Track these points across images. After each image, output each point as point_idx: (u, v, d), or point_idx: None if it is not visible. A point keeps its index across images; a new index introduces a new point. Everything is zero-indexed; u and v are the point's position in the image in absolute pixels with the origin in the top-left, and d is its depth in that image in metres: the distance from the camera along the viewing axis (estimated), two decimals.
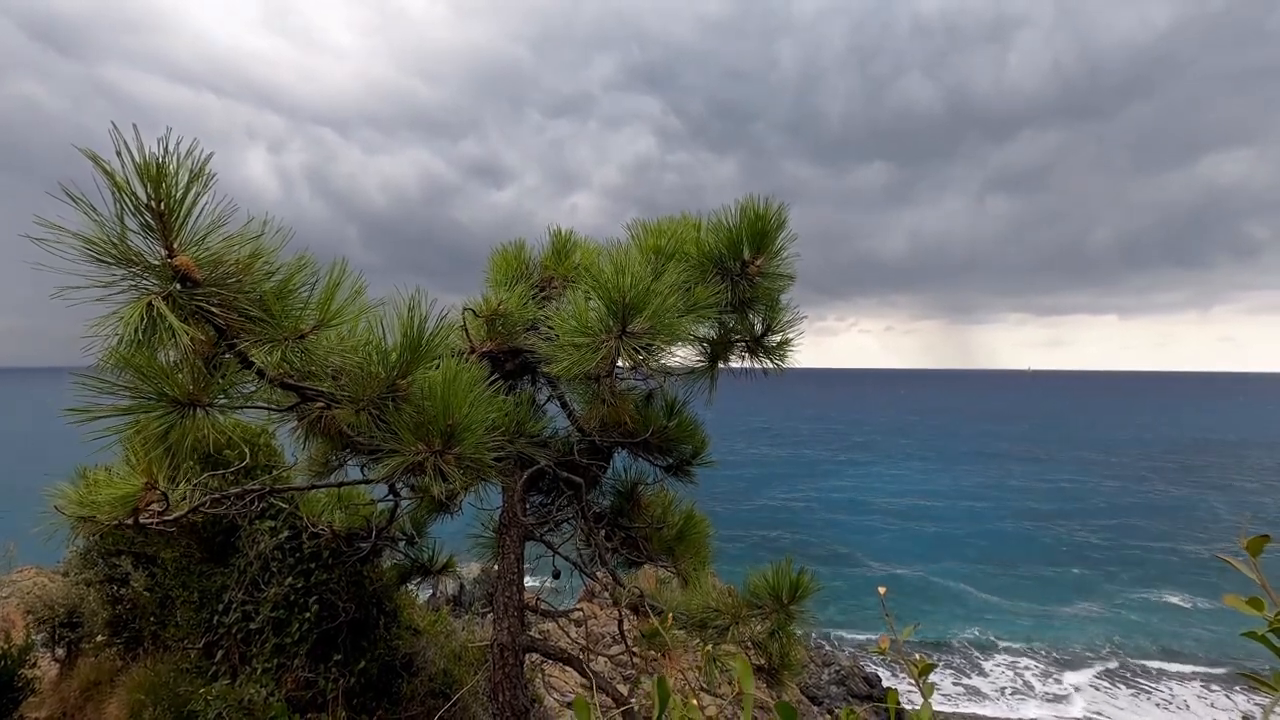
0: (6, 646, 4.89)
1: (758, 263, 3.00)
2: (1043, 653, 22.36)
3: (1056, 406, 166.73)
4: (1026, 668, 21.20)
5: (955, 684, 20.01)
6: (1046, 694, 19.46)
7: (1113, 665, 21.28)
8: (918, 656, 1.25)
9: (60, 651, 6.02)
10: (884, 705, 1.49)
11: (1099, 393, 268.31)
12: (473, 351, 2.99)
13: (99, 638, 5.76)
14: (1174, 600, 26.97)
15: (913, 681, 1.28)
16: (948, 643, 23.22)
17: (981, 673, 20.91)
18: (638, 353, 2.33)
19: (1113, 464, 63.54)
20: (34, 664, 5.20)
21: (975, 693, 19.47)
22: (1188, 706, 18.34)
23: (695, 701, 1.19)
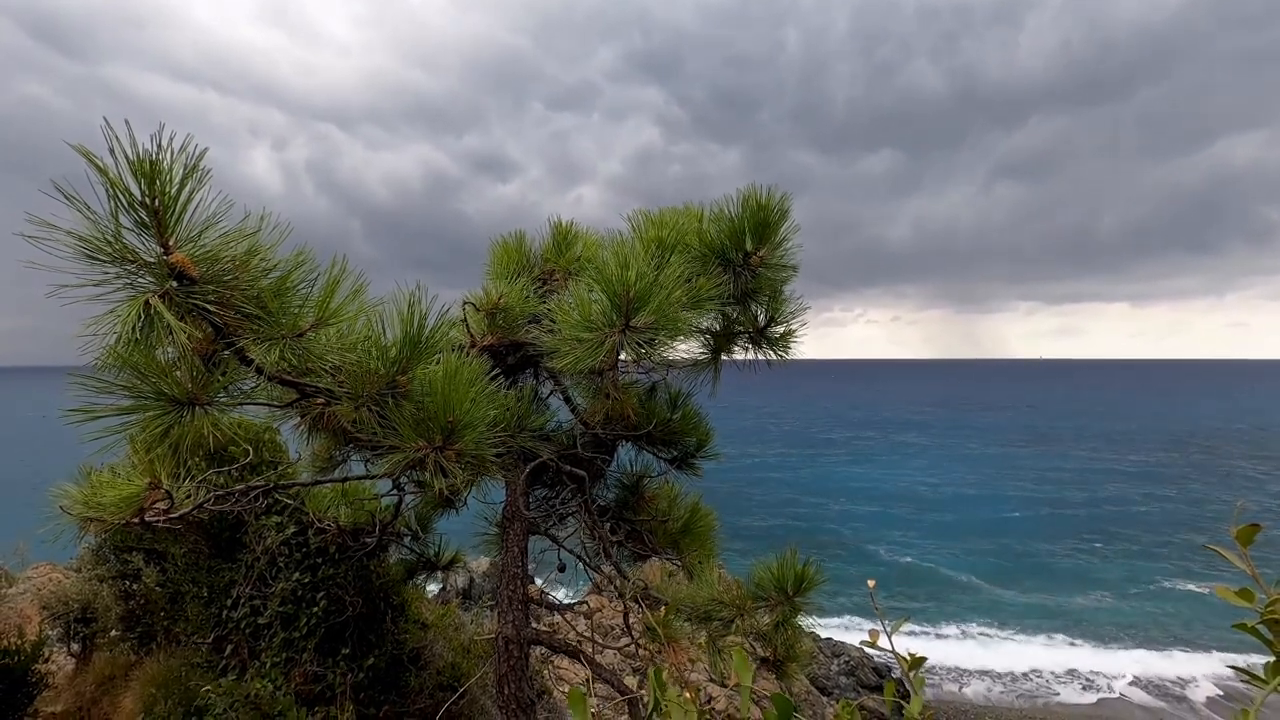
0: (20, 643, 4.95)
1: (760, 253, 2.97)
2: (1053, 640, 22.32)
3: (1069, 395, 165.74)
4: (1037, 655, 21.15)
5: (965, 670, 19.99)
6: (1055, 681, 19.41)
7: (1125, 653, 21.21)
8: (908, 651, 1.24)
9: (75, 646, 6.09)
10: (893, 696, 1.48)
11: (1112, 381, 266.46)
12: (474, 345, 2.99)
13: (113, 633, 5.83)
14: (1189, 588, 26.83)
15: (927, 671, 1.27)
16: (959, 630, 23.21)
17: (992, 660, 20.88)
18: (641, 347, 2.32)
19: (1125, 453, 63.14)
20: (48, 659, 5.26)
21: (984, 681, 19.44)
22: (1190, 691, 18.30)
23: (690, 695, 1.18)
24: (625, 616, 3.85)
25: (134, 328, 1.47)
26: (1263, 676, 0.91)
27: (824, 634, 20.09)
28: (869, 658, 17.94)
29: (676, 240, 3.03)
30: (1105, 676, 19.66)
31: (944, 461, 60.36)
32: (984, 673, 20.02)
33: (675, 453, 3.89)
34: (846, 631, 21.83)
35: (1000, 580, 28.48)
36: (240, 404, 2.02)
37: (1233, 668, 1.05)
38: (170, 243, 1.54)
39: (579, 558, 3.95)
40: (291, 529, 4.58)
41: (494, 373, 2.51)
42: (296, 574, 4.51)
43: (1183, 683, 19.08)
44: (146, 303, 1.49)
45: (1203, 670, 19.64)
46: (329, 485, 3.51)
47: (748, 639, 3.33)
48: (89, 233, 1.46)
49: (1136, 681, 19.34)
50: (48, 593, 6.15)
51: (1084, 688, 19.11)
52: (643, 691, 3.13)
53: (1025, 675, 19.86)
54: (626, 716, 3.07)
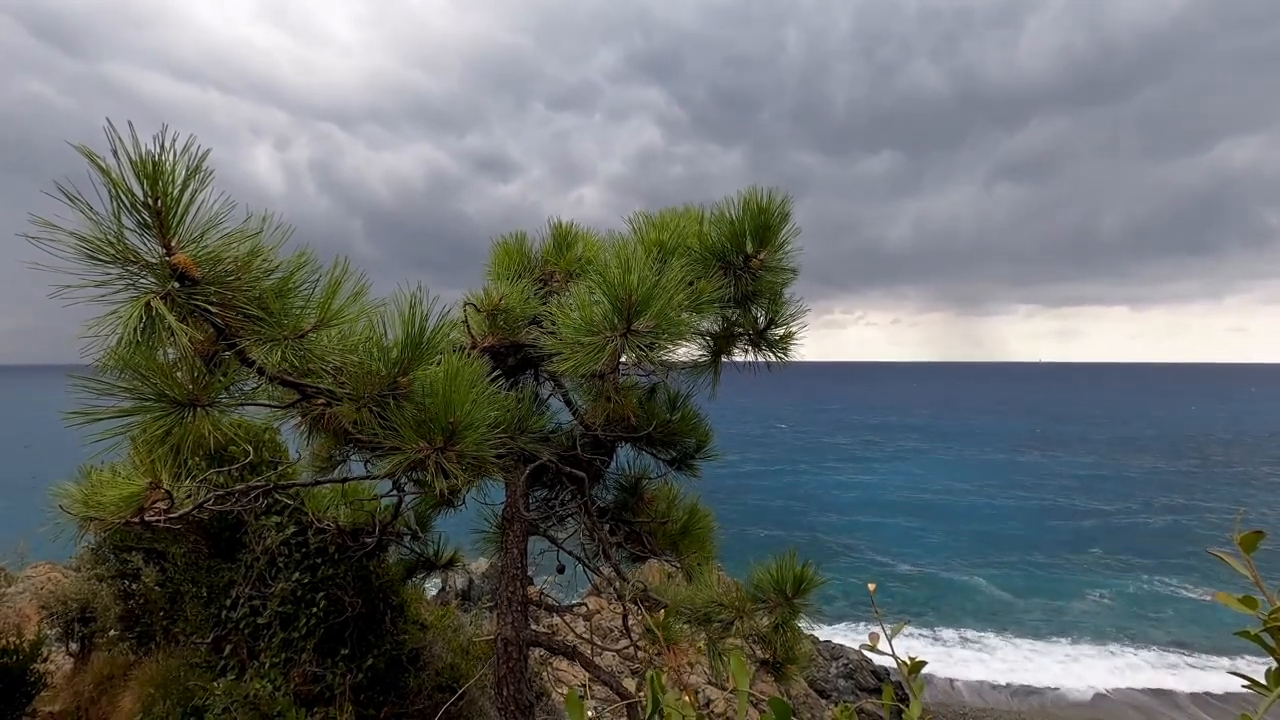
0: (19, 642, 4.94)
1: (761, 256, 2.98)
2: (1052, 644, 22.31)
3: (1069, 398, 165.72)
4: (1035, 659, 21.15)
5: (965, 673, 19.97)
6: (1053, 684, 19.40)
7: (1124, 657, 21.20)
8: (907, 655, 1.24)
9: (74, 646, 6.09)
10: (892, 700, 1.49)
11: (1112, 384, 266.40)
12: (474, 346, 2.99)
13: (112, 632, 5.83)
14: (1189, 594, 26.79)
15: (925, 675, 1.27)
16: (958, 634, 23.20)
17: (992, 662, 20.88)
18: (642, 350, 2.32)
19: (1127, 457, 63.09)
20: (47, 659, 5.26)
21: (982, 683, 19.43)
22: (1190, 696, 18.29)
23: (689, 698, 1.18)
24: (624, 618, 3.85)
25: (136, 329, 1.46)
26: (1265, 683, 0.91)
27: (823, 637, 20.08)
28: (868, 661, 17.92)
29: (677, 243, 3.03)
30: (1103, 680, 19.65)
31: (943, 465, 60.32)
32: (982, 675, 20.01)
33: (674, 454, 3.89)
34: (845, 634, 21.82)
35: (999, 584, 28.47)
36: (241, 404, 2.02)
37: (1234, 673, 1.05)
38: (172, 244, 1.55)
39: (578, 559, 3.95)
40: (291, 529, 4.58)
41: (495, 374, 2.51)
42: (296, 574, 4.50)
43: (1182, 688, 19.06)
44: (148, 304, 1.49)
45: (1202, 676, 19.63)
46: (329, 485, 3.51)
47: (747, 641, 3.33)
48: (91, 233, 1.46)
49: (1135, 685, 19.32)
50: (47, 592, 6.15)
51: (1082, 691, 19.09)
52: (642, 694, 3.12)
53: (1023, 678, 19.85)
54: (626, 719, 3.07)
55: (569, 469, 3.35)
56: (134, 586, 5.75)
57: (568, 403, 3.66)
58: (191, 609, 4.93)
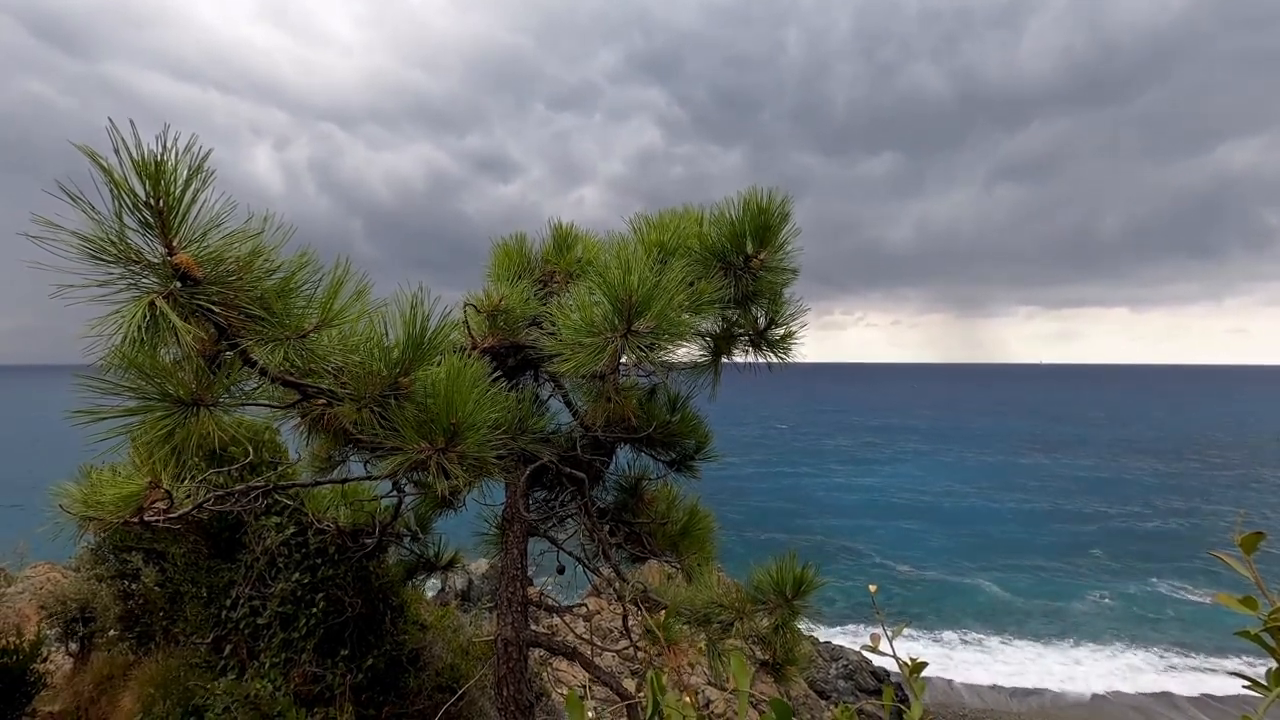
0: (19, 642, 4.94)
1: (761, 256, 2.98)
2: (1052, 645, 22.29)
3: (1069, 399, 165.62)
4: (1035, 660, 21.13)
5: (965, 674, 19.95)
6: (1053, 686, 19.39)
7: (1124, 658, 21.19)
8: (909, 656, 1.24)
9: (74, 646, 6.09)
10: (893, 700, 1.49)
11: (1112, 386, 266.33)
12: (474, 347, 2.99)
13: (111, 632, 5.82)
14: (1189, 595, 26.77)
15: (924, 676, 1.27)
16: (957, 635, 23.18)
17: (992, 663, 20.86)
18: (642, 350, 2.32)
19: (1128, 460, 63.03)
20: (46, 659, 5.25)
21: (982, 685, 19.42)
22: (1189, 697, 18.28)
23: (689, 699, 1.19)
24: (624, 619, 3.85)
25: (139, 328, 1.47)
26: (1265, 683, 0.91)
27: (822, 638, 20.06)
28: (867, 662, 17.90)
29: (677, 244, 3.03)
30: (1104, 682, 19.63)
31: (944, 467, 60.28)
32: (982, 677, 20.00)
33: (674, 455, 3.89)
34: (845, 636, 21.80)
35: (1000, 586, 28.45)
36: (242, 404, 2.02)
37: (1235, 674, 1.05)
38: (175, 243, 1.55)
39: (578, 560, 3.95)
40: (291, 529, 4.58)
41: (495, 375, 2.51)
42: (296, 574, 4.50)
43: (1182, 690, 19.04)
44: (152, 303, 1.49)
45: (1203, 678, 19.62)
46: (329, 486, 3.51)
47: (747, 642, 3.33)
48: (93, 233, 1.46)
49: (1135, 688, 19.31)
50: (46, 592, 6.14)
51: (1081, 692, 19.08)
52: (642, 695, 3.12)
53: (1024, 680, 19.84)
54: (625, 719, 3.07)
55: (569, 470, 3.35)
56: (134, 586, 5.75)
57: (568, 404, 3.66)
58: (191, 609, 4.93)
